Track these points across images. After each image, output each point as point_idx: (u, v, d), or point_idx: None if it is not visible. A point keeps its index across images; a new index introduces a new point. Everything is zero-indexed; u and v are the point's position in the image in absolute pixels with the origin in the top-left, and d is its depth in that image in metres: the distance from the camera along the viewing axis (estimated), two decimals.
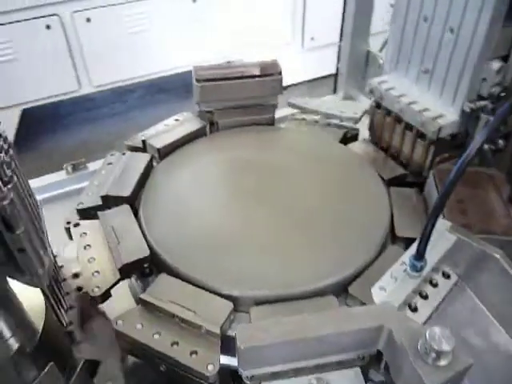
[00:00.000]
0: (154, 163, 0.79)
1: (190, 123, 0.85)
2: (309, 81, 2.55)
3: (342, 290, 0.58)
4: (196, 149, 0.81)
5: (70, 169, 1.02)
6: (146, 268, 0.61)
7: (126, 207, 0.67)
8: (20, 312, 0.58)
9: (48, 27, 1.92)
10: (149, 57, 2.16)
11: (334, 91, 1.25)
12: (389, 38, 0.82)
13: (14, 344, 0.54)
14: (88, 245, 0.63)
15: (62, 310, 0.57)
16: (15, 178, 0.46)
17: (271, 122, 0.88)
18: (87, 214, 0.68)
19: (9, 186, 0.45)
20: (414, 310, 0.55)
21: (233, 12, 2.23)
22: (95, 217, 0.67)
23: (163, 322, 0.55)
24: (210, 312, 0.54)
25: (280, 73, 0.84)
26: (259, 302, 0.56)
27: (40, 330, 0.58)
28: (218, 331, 0.52)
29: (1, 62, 1.92)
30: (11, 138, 2.09)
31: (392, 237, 0.66)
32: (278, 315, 0.53)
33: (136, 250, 0.60)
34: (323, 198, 0.71)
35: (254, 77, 0.83)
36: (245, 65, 0.85)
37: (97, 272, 0.60)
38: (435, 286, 0.58)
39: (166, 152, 0.78)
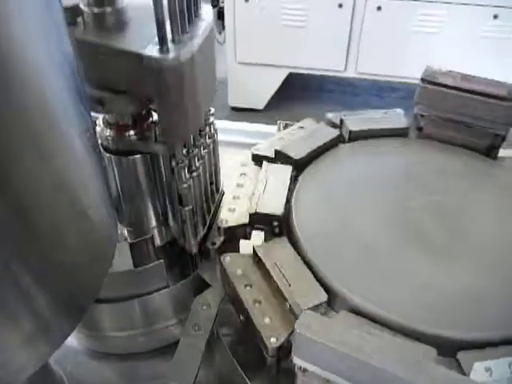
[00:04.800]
0: (342, 144, 0.78)
1: (395, 119, 0.80)
2: None
3: (451, 351, 0.49)
4: (387, 146, 0.77)
5: (281, 126, 1.08)
6: (275, 227, 0.62)
7: (288, 168, 0.69)
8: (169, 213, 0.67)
9: (340, 6, 2.03)
10: (421, 60, 2.09)
11: None
12: None
13: (150, 234, 0.63)
14: (241, 184, 0.68)
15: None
16: (201, 170, 0.58)
17: (485, 152, 0.76)
18: (259, 160, 0.73)
19: (193, 175, 0.57)
20: None
21: None
22: None
23: (261, 278, 0.56)
24: (302, 293, 0.53)
25: None
26: (354, 310, 0.52)
27: (175, 235, 0.66)
28: (298, 312, 0.51)
29: (293, 26, 2.13)
30: (271, 94, 2.33)
31: None
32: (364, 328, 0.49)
33: (272, 205, 0.62)
34: (498, 253, 0.60)
35: (486, 95, 0.73)
36: (484, 81, 0.75)
37: (233, 209, 0.64)
38: None
39: (356, 136, 0.76)
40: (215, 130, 0.63)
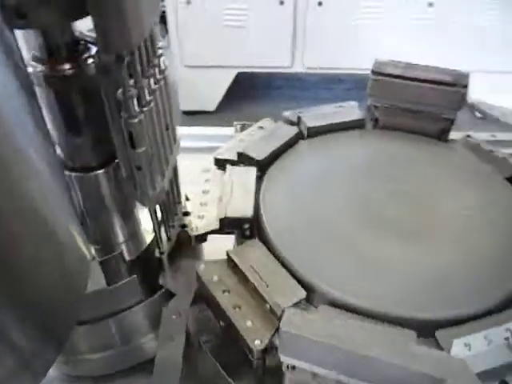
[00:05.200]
0: (302, 141, 0.79)
1: (350, 112, 0.82)
2: None
3: (428, 332, 0.51)
4: (346, 139, 0.78)
5: (238, 127, 1.07)
6: (246, 229, 0.62)
7: (253, 169, 0.69)
8: (136, 226, 0.66)
9: (281, 3, 2.05)
10: (365, 51, 2.14)
11: None
12: None
13: (119, 249, 0.61)
14: (207, 190, 0.67)
15: (164, 237, 0.63)
16: (153, 105, 0.51)
17: (438, 136, 0.80)
18: (222, 164, 0.73)
19: (144, 109, 0.49)
20: None
21: (476, 19, 2.06)
22: None
23: (237, 282, 0.56)
24: (281, 292, 0.53)
25: (465, 86, 0.75)
26: (333, 303, 0.53)
27: (143, 248, 0.65)
28: (278, 312, 0.51)
29: (233, 26, 2.13)
30: (221, 95, 2.32)
31: None
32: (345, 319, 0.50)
33: (241, 208, 0.62)
34: (457, 232, 0.63)
35: (433, 83, 0.76)
36: (431, 69, 0.78)
37: (203, 216, 0.63)
38: None
39: (315, 132, 0.78)
40: (166, 66, 0.56)
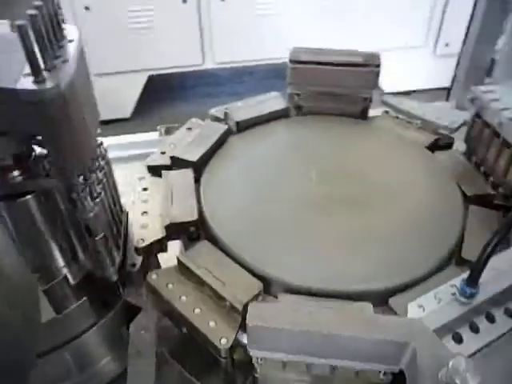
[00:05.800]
0: (232, 136, 0.79)
1: (275, 102, 0.84)
2: (435, 89, 2.38)
3: (382, 301, 0.53)
4: (274, 129, 0.80)
5: (163, 131, 1.05)
6: (192, 232, 0.62)
7: (189, 171, 0.68)
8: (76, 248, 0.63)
9: (184, 1, 2.03)
10: (272, 41, 2.18)
11: (447, 99, 1.16)
12: (505, 43, 0.74)
13: (62, 274, 0.58)
14: (145, 200, 0.66)
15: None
16: (103, 194, 0.54)
17: (359, 115, 0.84)
18: (156, 171, 0.71)
19: (96, 201, 0.52)
20: (459, 340, 0.49)
21: (370, 5, 2.17)
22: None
23: (193, 286, 0.56)
24: (238, 288, 0.53)
25: (378, 65, 0.79)
26: (289, 290, 0.54)
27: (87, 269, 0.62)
28: (240, 308, 0.51)
29: (138, 28, 2.08)
30: (135, 101, 2.27)
31: (457, 258, 0.59)
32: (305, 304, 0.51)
33: (185, 212, 0.61)
34: (391, 202, 0.66)
35: (348, 65, 0.79)
36: (344, 53, 0.82)
37: (146, 226, 0.62)
38: (492, 321, 0.51)
39: (244, 126, 0.79)
40: (105, 150, 0.60)
